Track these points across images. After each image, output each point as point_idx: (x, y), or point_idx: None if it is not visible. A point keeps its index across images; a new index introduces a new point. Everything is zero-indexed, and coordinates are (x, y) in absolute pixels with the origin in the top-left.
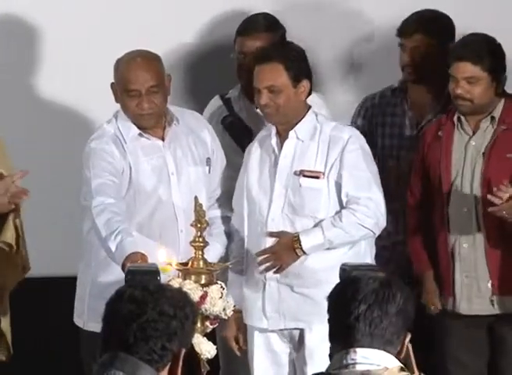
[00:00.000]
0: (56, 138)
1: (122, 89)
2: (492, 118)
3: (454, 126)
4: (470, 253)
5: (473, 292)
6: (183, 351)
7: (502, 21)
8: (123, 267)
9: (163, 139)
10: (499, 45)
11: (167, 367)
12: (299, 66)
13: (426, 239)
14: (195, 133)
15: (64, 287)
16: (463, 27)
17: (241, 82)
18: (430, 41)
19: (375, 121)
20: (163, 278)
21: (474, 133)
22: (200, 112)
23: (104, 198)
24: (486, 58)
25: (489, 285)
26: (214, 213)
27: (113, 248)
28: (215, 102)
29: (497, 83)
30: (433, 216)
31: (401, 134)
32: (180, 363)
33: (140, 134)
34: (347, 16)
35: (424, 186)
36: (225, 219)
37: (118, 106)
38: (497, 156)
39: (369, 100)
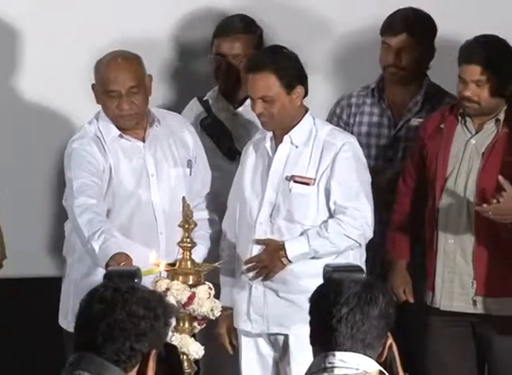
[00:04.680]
0: (37, 139)
1: (102, 90)
2: (497, 120)
3: (458, 122)
4: (455, 250)
5: (454, 288)
6: (154, 352)
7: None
8: (107, 267)
9: (144, 140)
10: (509, 47)
11: (135, 368)
12: (291, 72)
13: (415, 229)
14: (176, 135)
15: (47, 288)
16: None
17: (219, 83)
18: (415, 41)
19: (351, 121)
20: (151, 278)
21: (476, 132)
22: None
23: (86, 198)
24: (495, 60)
25: (473, 285)
26: (197, 215)
27: (96, 248)
28: (193, 104)
29: (505, 86)
30: (424, 207)
31: (379, 134)
32: (151, 364)
33: (120, 135)
34: (324, 16)
35: (418, 175)
36: (209, 222)
37: (99, 107)
38: (495, 158)
39: (345, 99)
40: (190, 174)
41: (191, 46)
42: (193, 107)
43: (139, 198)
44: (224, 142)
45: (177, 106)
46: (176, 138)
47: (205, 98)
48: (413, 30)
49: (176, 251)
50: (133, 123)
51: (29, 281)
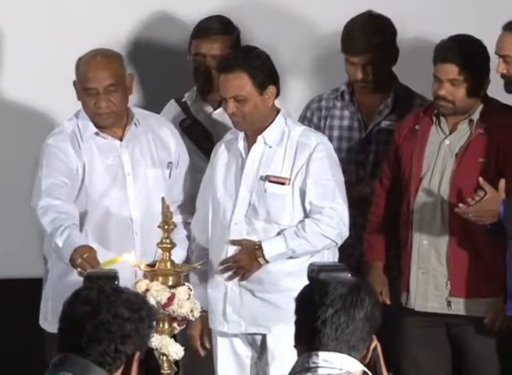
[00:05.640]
0: (19, 138)
1: (81, 87)
2: (471, 121)
3: (432, 123)
4: (429, 250)
5: (429, 289)
6: (138, 354)
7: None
8: (72, 261)
9: (121, 139)
10: (484, 47)
11: (120, 370)
12: (263, 72)
13: (390, 230)
14: (157, 137)
15: (26, 289)
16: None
17: (197, 84)
18: (379, 55)
19: (322, 124)
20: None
21: (450, 132)
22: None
23: (50, 199)
24: (471, 60)
25: (447, 285)
26: (176, 218)
27: (60, 244)
28: (171, 106)
29: (480, 86)
30: (399, 208)
31: (350, 137)
32: (134, 366)
33: (96, 133)
34: (303, 18)
35: (393, 177)
36: (186, 225)
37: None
38: (469, 159)
39: (315, 102)
40: (170, 176)
41: (168, 47)
42: (171, 108)
43: (114, 196)
44: (204, 143)
45: (154, 107)
46: (156, 139)
47: (184, 100)
48: (375, 46)
49: (152, 251)
50: (110, 121)
51: (9, 282)
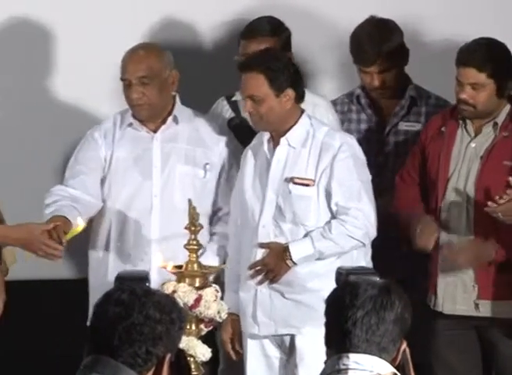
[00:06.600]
0: (69, 137)
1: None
2: (495, 124)
3: (458, 125)
4: None
5: (457, 292)
6: (169, 356)
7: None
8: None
9: (156, 133)
10: (508, 51)
11: (151, 371)
12: (282, 75)
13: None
14: (200, 138)
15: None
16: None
17: None
18: (391, 61)
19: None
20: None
21: (475, 135)
22: (202, 111)
23: (62, 186)
24: (492, 64)
25: (474, 288)
26: (218, 228)
27: (46, 214)
28: (221, 104)
29: (502, 89)
30: (426, 209)
31: (368, 140)
32: (165, 368)
33: (130, 124)
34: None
35: (418, 176)
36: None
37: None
38: (494, 162)
39: None
40: (205, 177)
41: (222, 45)
42: (219, 106)
43: (138, 186)
44: (250, 143)
45: (205, 105)
46: (198, 140)
47: (234, 99)
48: (385, 54)
49: (168, 238)
50: (145, 113)
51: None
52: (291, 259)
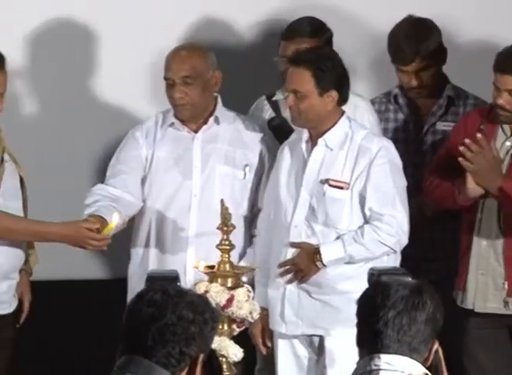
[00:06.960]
0: (110, 137)
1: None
2: None
3: (496, 124)
4: (488, 251)
5: (489, 290)
6: (202, 356)
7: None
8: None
9: (196, 133)
10: None
11: (184, 372)
12: (329, 75)
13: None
14: (241, 139)
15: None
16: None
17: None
18: (428, 61)
19: None
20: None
21: (511, 134)
22: (240, 111)
23: (103, 185)
24: None
25: (504, 286)
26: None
27: (85, 215)
28: (262, 103)
29: None
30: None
31: (406, 139)
32: (198, 368)
33: (171, 124)
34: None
35: (452, 169)
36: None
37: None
38: None
39: None
40: (244, 178)
41: (263, 45)
42: (260, 105)
43: (177, 186)
44: None
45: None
46: (239, 141)
47: (275, 98)
48: (422, 53)
49: (205, 237)
50: (187, 113)
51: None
52: (321, 261)
